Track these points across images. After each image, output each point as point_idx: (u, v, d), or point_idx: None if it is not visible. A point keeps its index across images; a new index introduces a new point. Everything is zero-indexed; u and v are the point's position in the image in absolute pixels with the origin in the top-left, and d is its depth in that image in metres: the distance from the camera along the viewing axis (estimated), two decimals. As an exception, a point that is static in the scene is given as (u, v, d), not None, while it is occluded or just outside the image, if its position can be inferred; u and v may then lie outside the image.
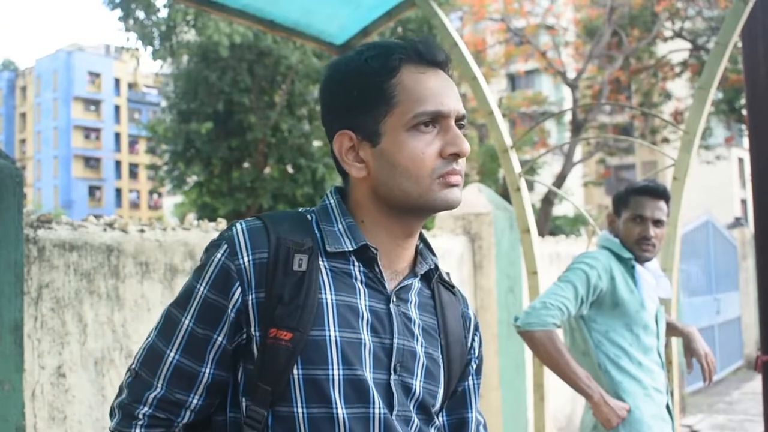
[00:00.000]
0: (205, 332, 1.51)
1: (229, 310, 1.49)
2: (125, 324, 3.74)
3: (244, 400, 1.51)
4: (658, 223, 3.39)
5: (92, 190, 76.87)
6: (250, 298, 1.49)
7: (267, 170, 21.96)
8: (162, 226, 4.06)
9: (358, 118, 1.54)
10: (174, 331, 1.53)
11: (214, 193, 21.88)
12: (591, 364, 3.34)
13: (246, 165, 22.28)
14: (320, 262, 1.53)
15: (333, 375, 1.46)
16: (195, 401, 1.53)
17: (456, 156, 1.54)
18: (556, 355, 3.20)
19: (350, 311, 1.52)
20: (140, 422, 1.51)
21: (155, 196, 63.63)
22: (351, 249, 1.55)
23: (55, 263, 3.46)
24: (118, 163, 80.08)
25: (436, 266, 1.68)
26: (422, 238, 1.68)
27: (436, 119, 1.53)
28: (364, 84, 1.53)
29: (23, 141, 79.91)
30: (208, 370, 1.51)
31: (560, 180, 18.66)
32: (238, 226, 1.55)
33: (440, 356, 1.63)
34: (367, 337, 1.51)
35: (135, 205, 77.17)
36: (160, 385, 1.52)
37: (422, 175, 1.53)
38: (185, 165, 22.44)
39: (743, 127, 21.56)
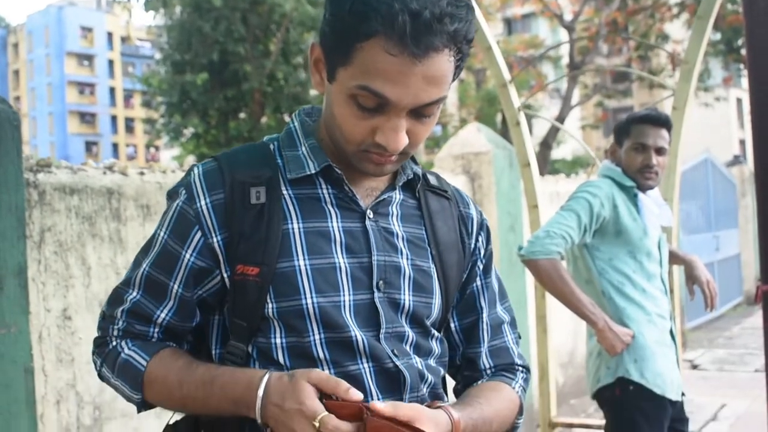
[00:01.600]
0: (161, 278, 1.53)
1: (186, 256, 1.50)
2: (128, 266, 3.75)
3: (223, 340, 1.54)
4: (660, 151, 3.38)
5: (89, 146, 76.62)
6: (214, 240, 1.48)
7: (264, 120, 21.85)
8: (162, 168, 4.05)
9: (330, 43, 1.42)
10: (136, 273, 1.57)
11: (211, 144, 21.79)
12: (594, 292, 3.36)
13: (242, 115, 22.17)
14: (283, 191, 1.50)
15: (307, 304, 1.45)
16: (157, 332, 1.56)
17: (381, 147, 1.43)
18: (560, 283, 3.21)
19: (320, 237, 1.49)
20: (113, 337, 1.57)
21: (152, 150, 63.38)
22: (314, 171, 1.52)
23: (56, 207, 3.45)
24: (113, 118, 79.77)
25: (418, 175, 1.62)
26: None
27: (382, 104, 1.39)
28: (341, 26, 1.38)
29: (17, 98, 79.48)
30: (163, 315, 1.54)
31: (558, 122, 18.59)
32: (195, 170, 1.53)
33: (432, 266, 1.59)
34: (342, 260, 1.48)
35: (132, 160, 76.96)
36: (121, 321, 1.56)
37: (349, 140, 1.46)
38: (181, 117, 22.33)
39: (741, 67, 21.43)
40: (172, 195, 1.56)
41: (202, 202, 1.49)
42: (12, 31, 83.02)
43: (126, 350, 1.53)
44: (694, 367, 9.00)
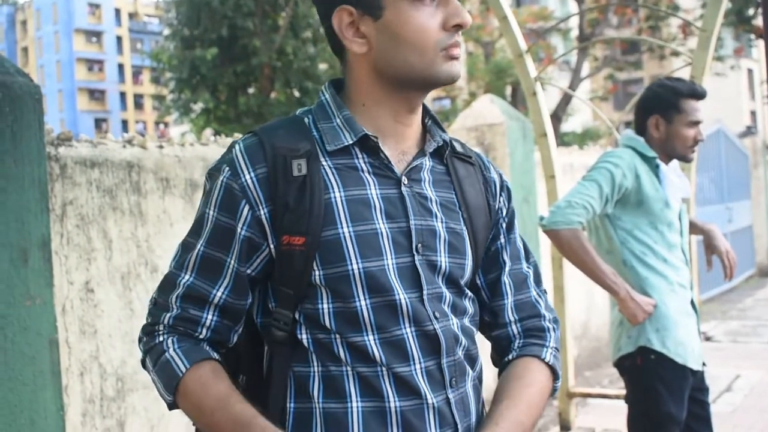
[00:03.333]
0: (217, 255, 1.54)
1: (239, 230, 1.52)
2: (149, 239, 3.77)
3: (271, 304, 1.56)
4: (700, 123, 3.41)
5: (98, 123, 76.66)
6: (261, 213, 1.51)
7: (273, 95, 21.81)
8: (180, 142, 4.06)
9: None
10: (188, 256, 1.57)
11: (221, 120, 21.77)
12: (616, 262, 3.36)
13: (252, 90, 22.14)
14: (322, 162, 1.53)
15: (352, 270, 1.48)
16: (210, 318, 1.55)
17: (459, 27, 1.54)
18: (582, 253, 3.22)
19: (361, 204, 1.52)
20: (161, 332, 1.56)
21: (161, 126, 63.46)
22: (351, 142, 1.55)
23: (77, 180, 3.47)
24: (122, 95, 79.76)
25: (446, 142, 1.65)
26: (430, 115, 1.67)
27: None
28: None
29: (26, 75, 79.24)
30: (220, 294, 1.54)
31: (567, 96, 18.51)
32: (236, 146, 1.55)
33: (464, 228, 1.63)
34: (382, 226, 1.52)
35: (142, 137, 76.90)
36: (174, 307, 1.56)
37: (427, 48, 1.52)
38: (191, 92, 22.29)
39: (752, 37, 21.28)
40: (213, 173, 1.57)
41: (247, 177, 1.51)
42: (20, 8, 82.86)
43: (170, 350, 1.53)
44: (708, 339, 9.00)
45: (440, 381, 1.54)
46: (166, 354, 1.53)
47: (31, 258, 2.99)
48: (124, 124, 77.95)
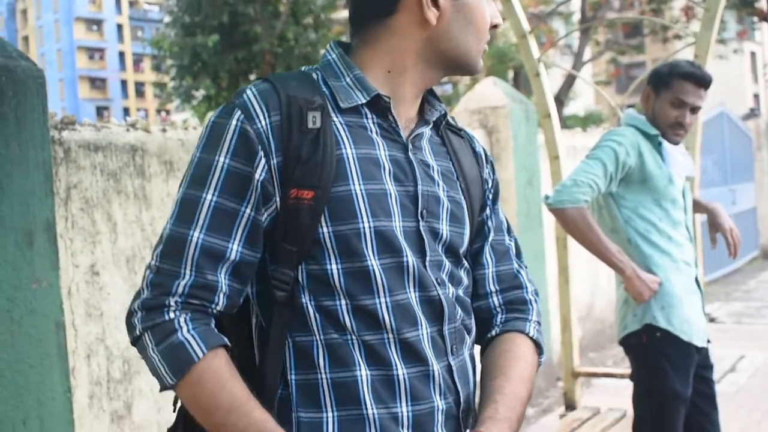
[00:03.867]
0: (232, 205, 1.43)
1: (256, 178, 1.43)
2: (153, 222, 3.77)
3: (270, 267, 1.48)
4: (694, 110, 3.37)
5: (100, 111, 76.62)
6: (272, 162, 1.44)
7: (275, 81, 21.75)
8: (184, 125, 4.06)
9: None
10: (195, 211, 1.43)
11: (222, 107, 21.73)
12: (620, 241, 3.36)
13: (253, 77, 22.09)
14: (334, 119, 1.50)
15: (363, 228, 1.44)
16: (226, 284, 1.44)
17: (495, 27, 1.62)
18: (588, 231, 3.22)
19: (372, 163, 1.49)
20: (171, 308, 1.42)
21: (163, 114, 63.40)
22: (364, 101, 1.52)
23: (81, 164, 3.47)
24: (123, 83, 79.75)
25: (444, 113, 1.66)
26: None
27: None
28: None
29: (27, 64, 79.17)
30: (236, 247, 1.43)
31: (570, 79, 18.49)
32: (248, 91, 1.48)
33: (462, 198, 1.63)
34: (391, 187, 1.49)
35: (143, 124, 76.89)
36: (188, 272, 1.42)
37: (483, 37, 1.60)
38: (192, 79, 22.25)
39: (755, 20, 21.22)
40: (221, 117, 1.47)
41: (262, 122, 1.44)
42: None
43: (183, 331, 1.40)
44: (712, 320, 9.01)
45: (442, 348, 1.53)
46: (179, 335, 1.40)
47: (37, 241, 3.00)
48: (126, 111, 77.96)
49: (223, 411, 1.40)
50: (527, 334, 1.68)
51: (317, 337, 1.47)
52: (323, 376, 1.46)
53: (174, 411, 1.65)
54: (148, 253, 3.72)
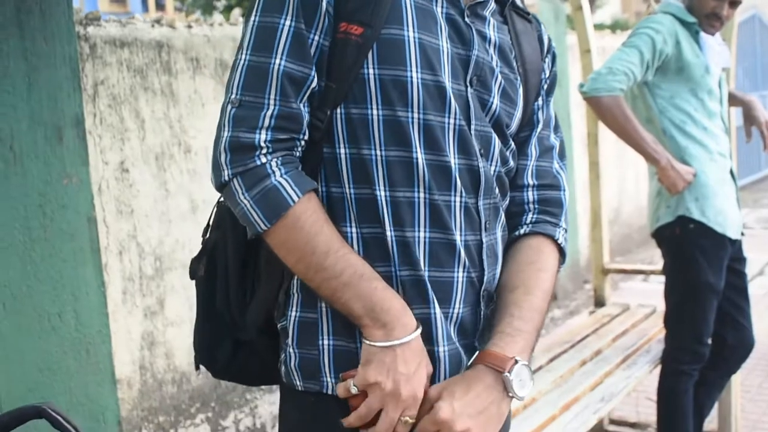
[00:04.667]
0: (305, 31, 1.36)
1: (323, 3, 1.37)
2: (181, 119, 3.75)
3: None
4: (733, 3, 3.27)
5: (120, 25, 76.10)
6: None
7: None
8: (209, 21, 4.00)
9: None
10: (273, 37, 1.36)
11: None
12: (655, 131, 3.30)
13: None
14: None
15: (411, 77, 1.37)
16: (305, 111, 1.38)
17: None
18: (623, 120, 3.16)
19: (429, 16, 1.42)
20: (263, 150, 1.35)
21: (183, 27, 62.82)
22: None
23: (107, 60, 3.44)
24: (143, -5, 78.97)
25: None
26: None
27: None
28: None
29: (46, -22, 78.61)
30: (312, 72, 1.37)
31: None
32: None
33: (518, 80, 1.55)
34: (445, 44, 1.42)
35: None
36: (272, 101, 1.35)
37: None
38: (213, -11, 21.98)
39: None
40: None
41: None
42: None
43: (278, 175, 1.35)
44: (740, 225, 8.97)
45: (477, 222, 1.47)
46: (272, 179, 1.34)
47: (66, 136, 2.99)
48: (146, 26, 77.28)
49: (320, 253, 1.36)
50: (555, 241, 1.62)
51: (347, 189, 1.42)
52: (354, 230, 1.42)
53: (196, 369, 1.65)
54: (176, 150, 3.72)
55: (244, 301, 1.54)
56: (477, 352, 1.47)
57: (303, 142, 1.39)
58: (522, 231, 1.61)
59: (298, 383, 1.45)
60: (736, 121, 4.47)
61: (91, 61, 3.37)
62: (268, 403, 4.30)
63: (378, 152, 1.40)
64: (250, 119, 1.34)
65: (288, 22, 1.36)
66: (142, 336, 3.60)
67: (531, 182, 1.64)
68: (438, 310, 1.43)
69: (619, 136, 3.23)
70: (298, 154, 1.39)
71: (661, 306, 3.75)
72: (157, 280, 3.64)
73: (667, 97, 3.27)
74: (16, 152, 2.83)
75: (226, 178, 1.36)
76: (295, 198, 1.34)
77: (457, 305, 1.46)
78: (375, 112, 1.39)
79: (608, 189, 7.22)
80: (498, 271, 1.54)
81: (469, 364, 1.47)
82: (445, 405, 1.38)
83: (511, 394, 1.44)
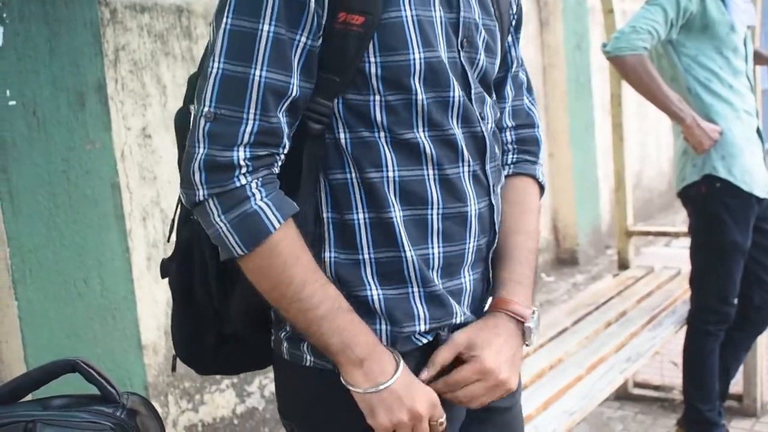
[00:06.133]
0: (289, 34, 1.27)
1: (312, 4, 1.27)
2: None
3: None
4: None
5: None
6: None
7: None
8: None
9: None
10: (252, 44, 1.26)
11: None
12: (680, 90, 3.27)
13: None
14: None
15: (414, 59, 1.33)
16: (285, 122, 1.30)
17: None
18: (648, 79, 3.13)
19: None
20: (242, 170, 1.27)
21: None
22: None
23: (128, 25, 3.43)
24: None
25: None
26: None
27: None
28: None
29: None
30: (296, 81, 1.29)
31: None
32: None
33: (496, 25, 1.51)
34: (438, 13, 1.38)
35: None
36: (252, 115, 1.26)
37: None
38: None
39: None
40: None
41: None
42: None
43: (258, 198, 1.28)
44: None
45: (485, 186, 1.47)
46: (252, 203, 1.27)
47: (88, 102, 2.99)
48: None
49: (296, 284, 1.30)
50: (536, 179, 1.65)
51: (352, 175, 1.37)
52: (360, 216, 1.38)
53: (173, 371, 1.64)
54: (198, 116, 3.71)
55: (224, 292, 1.49)
56: (491, 297, 1.50)
57: (283, 156, 1.32)
58: (505, 172, 1.63)
59: (307, 358, 1.43)
60: (762, 82, 4.43)
61: (112, 26, 3.36)
62: (292, 368, 4.31)
63: (382, 134, 1.36)
64: (227, 136, 1.26)
65: (267, 27, 1.26)
66: (167, 302, 3.61)
67: (509, 124, 1.65)
68: (447, 283, 1.43)
69: (643, 95, 3.20)
70: (276, 170, 1.32)
71: (685, 269, 3.73)
72: (180, 246, 3.64)
73: (692, 55, 3.24)
74: (39, 118, 2.83)
75: (201, 198, 1.29)
76: (276, 224, 1.28)
77: (466, 275, 1.46)
78: (377, 98, 1.34)
79: (630, 154, 7.19)
80: (497, 228, 1.54)
81: (486, 309, 1.49)
82: (489, 354, 1.39)
83: (527, 342, 1.47)
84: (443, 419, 1.37)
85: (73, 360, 1.44)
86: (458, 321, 1.43)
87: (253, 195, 1.27)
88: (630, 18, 3.24)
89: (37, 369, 1.45)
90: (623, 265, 4.30)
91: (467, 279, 1.46)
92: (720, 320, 3.39)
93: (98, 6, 3.23)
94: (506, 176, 1.62)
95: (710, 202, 3.25)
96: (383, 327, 1.38)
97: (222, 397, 3.89)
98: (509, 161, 1.65)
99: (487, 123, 1.48)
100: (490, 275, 1.53)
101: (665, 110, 3.18)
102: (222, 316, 1.50)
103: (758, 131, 3.35)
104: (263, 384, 4.12)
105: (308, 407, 1.46)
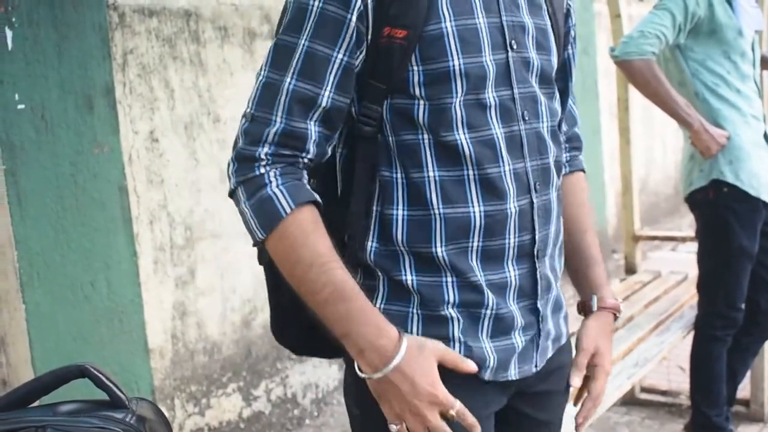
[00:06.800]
0: (324, 50, 1.39)
1: (351, 20, 1.39)
2: (210, 89, 3.75)
3: (357, 101, 1.47)
4: None
5: None
6: (369, 1, 1.39)
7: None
8: (235, -9, 3.99)
9: None
10: (289, 56, 1.40)
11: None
12: (688, 94, 3.27)
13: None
14: None
15: (453, 66, 1.41)
16: (316, 131, 1.41)
17: None
18: (656, 84, 3.13)
19: None
20: (262, 162, 1.39)
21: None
22: None
23: (136, 29, 3.43)
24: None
25: None
26: None
27: None
28: None
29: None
30: (327, 93, 1.40)
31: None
32: None
33: (548, 24, 1.57)
34: (482, 20, 1.45)
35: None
36: (278, 119, 1.39)
37: None
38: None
39: None
40: None
41: None
42: None
43: (272, 186, 1.38)
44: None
45: (525, 185, 1.51)
46: (268, 189, 1.39)
47: (96, 105, 3.00)
48: None
49: (304, 266, 1.38)
50: (584, 171, 1.84)
51: (397, 174, 1.47)
52: (399, 212, 1.48)
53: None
54: (205, 119, 3.72)
55: None
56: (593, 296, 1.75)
57: (307, 160, 1.43)
58: (564, 171, 1.76)
59: None
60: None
61: (120, 30, 3.37)
62: (298, 372, 4.32)
63: (425, 136, 1.45)
64: (256, 134, 1.40)
65: (303, 42, 1.40)
66: (174, 306, 3.62)
67: (564, 128, 1.76)
68: (489, 277, 1.50)
69: (651, 100, 3.20)
70: (301, 167, 1.43)
71: (692, 273, 3.72)
72: (188, 249, 3.65)
73: (700, 60, 3.24)
74: (47, 121, 2.84)
75: (233, 186, 1.43)
76: (288, 209, 1.38)
77: (511, 271, 1.52)
78: (420, 102, 1.44)
79: (636, 158, 7.18)
80: (552, 230, 1.59)
81: (595, 310, 1.74)
82: (608, 360, 1.71)
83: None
84: (453, 411, 1.40)
85: (82, 365, 1.44)
86: (486, 312, 1.50)
87: (270, 182, 1.39)
88: (637, 22, 3.24)
89: (48, 374, 1.46)
90: (630, 269, 4.30)
91: (512, 274, 1.52)
92: (727, 325, 3.39)
93: (107, 10, 3.24)
94: (564, 174, 1.76)
95: (718, 207, 3.24)
96: (415, 310, 1.48)
97: (228, 401, 3.89)
98: (566, 160, 1.79)
99: (536, 122, 1.53)
100: (549, 272, 1.61)
101: (673, 115, 3.18)
102: (305, 308, 1.55)
103: (766, 136, 3.34)
104: (269, 388, 4.13)
105: (360, 390, 1.49)
